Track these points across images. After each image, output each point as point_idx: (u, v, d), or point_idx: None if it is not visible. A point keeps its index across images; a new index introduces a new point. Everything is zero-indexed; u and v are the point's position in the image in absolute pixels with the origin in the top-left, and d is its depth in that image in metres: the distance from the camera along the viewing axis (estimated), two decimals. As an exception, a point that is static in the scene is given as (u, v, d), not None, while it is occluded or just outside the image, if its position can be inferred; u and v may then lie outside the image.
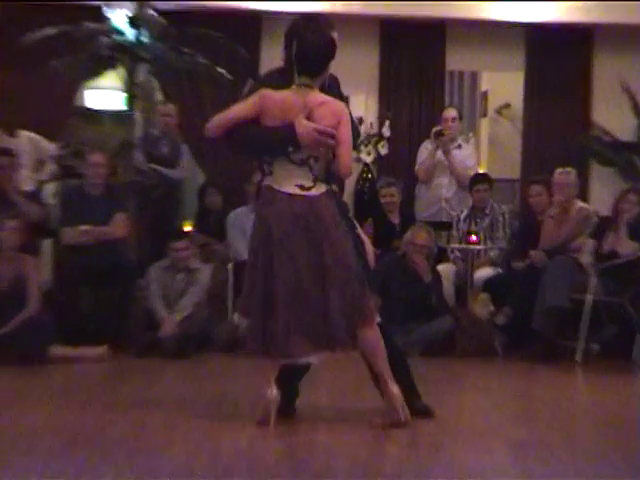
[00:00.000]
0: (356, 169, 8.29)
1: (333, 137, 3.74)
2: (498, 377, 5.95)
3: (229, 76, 7.01)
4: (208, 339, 6.42)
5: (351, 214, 4.25)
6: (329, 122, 3.73)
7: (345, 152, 3.78)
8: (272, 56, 8.69)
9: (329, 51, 3.82)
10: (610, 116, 8.63)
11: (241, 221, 6.95)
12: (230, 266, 6.90)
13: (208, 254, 7.03)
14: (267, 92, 3.82)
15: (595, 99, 8.75)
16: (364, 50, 8.57)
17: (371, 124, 8.58)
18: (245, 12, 8.19)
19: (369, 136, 8.52)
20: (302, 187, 3.76)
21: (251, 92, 3.94)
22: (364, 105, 8.74)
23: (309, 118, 3.74)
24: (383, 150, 8.60)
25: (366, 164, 8.52)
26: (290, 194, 3.76)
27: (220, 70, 6.98)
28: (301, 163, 3.77)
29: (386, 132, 8.60)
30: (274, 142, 3.80)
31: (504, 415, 4.60)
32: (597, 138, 8.67)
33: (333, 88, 4.00)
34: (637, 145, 8.65)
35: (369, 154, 8.49)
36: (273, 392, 3.78)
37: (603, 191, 8.22)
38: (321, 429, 3.88)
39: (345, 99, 4.11)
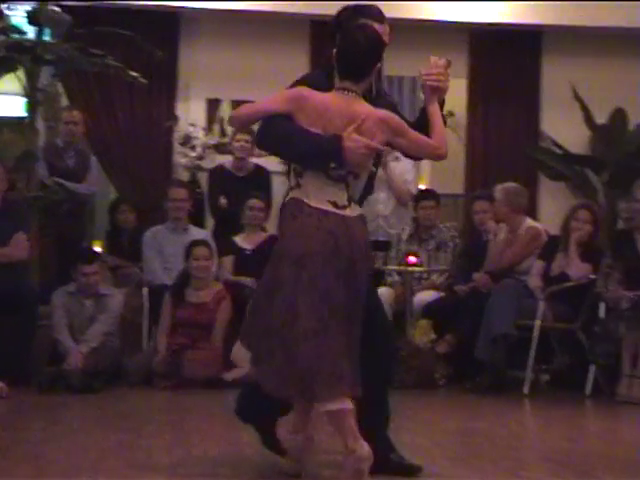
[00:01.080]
0: (285, 183, 8.29)
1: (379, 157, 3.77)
2: (439, 411, 6.21)
3: (143, 80, 7.05)
4: (120, 372, 6.56)
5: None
6: (380, 138, 3.60)
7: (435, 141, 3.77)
8: (191, 58, 8.96)
9: (375, 51, 3.66)
10: (560, 126, 8.92)
11: (158, 241, 7.19)
12: (145, 291, 7.08)
13: (120, 278, 7.25)
14: (307, 91, 3.66)
15: (544, 107, 9.05)
16: (294, 52, 8.73)
17: None
18: (162, 10, 8.33)
19: None
20: (335, 204, 3.59)
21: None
22: None
23: (355, 132, 3.58)
24: None
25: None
26: (321, 209, 3.58)
27: (133, 73, 7.01)
28: (338, 179, 3.61)
29: None
30: (317, 153, 3.61)
31: (445, 454, 4.71)
32: (546, 150, 8.94)
33: (381, 93, 3.91)
34: (589, 158, 8.91)
35: None
36: (364, 448, 3.47)
37: (553, 207, 8.49)
38: None
39: (394, 103, 4.06)
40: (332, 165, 3.56)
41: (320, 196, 3.59)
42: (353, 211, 3.64)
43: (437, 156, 3.82)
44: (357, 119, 3.55)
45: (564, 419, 5.93)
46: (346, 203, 3.62)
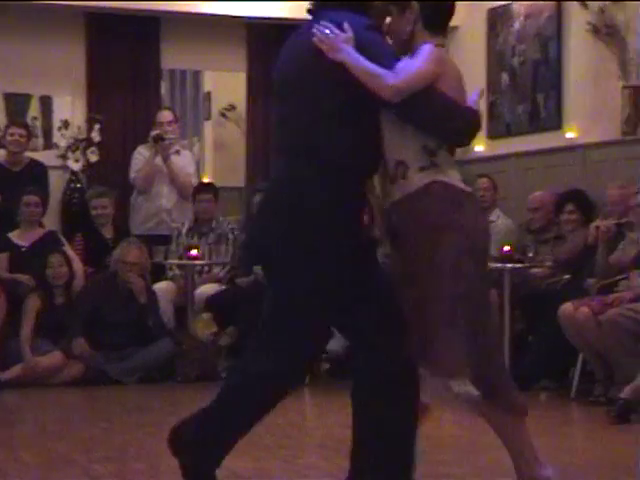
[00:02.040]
0: (63, 178, 8.71)
1: None
2: None
3: None
4: None
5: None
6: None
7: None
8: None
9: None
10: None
11: None
12: None
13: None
14: (445, 53, 3.41)
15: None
16: (68, 45, 8.80)
17: (79, 128, 8.88)
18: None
19: (77, 141, 8.83)
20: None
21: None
22: (70, 107, 9.01)
23: None
24: (93, 157, 8.89)
25: (74, 172, 8.87)
26: (469, 192, 3.42)
27: None
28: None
29: (96, 137, 8.90)
30: (470, 129, 3.41)
31: None
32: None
33: None
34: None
35: (77, 161, 8.78)
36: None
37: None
38: None
39: None
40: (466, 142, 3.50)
41: (455, 176, 3.38)
42: None
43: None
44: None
45: (341, 407, 6.30)
46: None
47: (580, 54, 8.20)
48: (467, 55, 9.07)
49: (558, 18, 8.17)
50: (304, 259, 3.17)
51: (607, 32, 7.56)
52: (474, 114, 3.38)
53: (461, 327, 3.19)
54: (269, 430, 5.50)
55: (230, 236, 7.98)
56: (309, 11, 3.35)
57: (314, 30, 3.14)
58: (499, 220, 7.85)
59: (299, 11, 9.13)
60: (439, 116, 3.30)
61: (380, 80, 3.14)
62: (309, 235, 3.15)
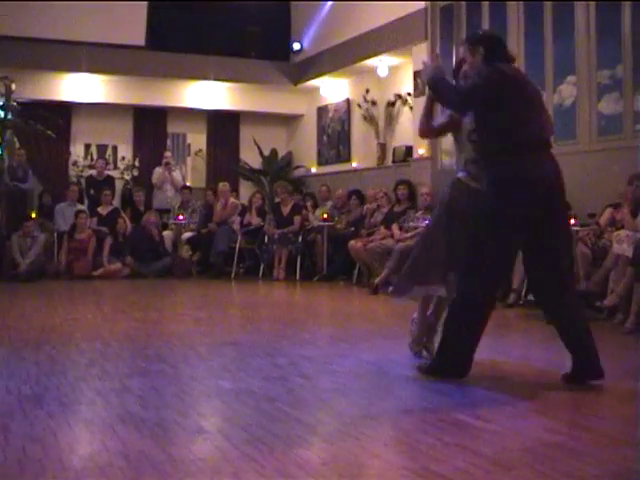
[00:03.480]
0: (121, 183, 15.56)
1: None
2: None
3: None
4: (44, 272, 13.05)
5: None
6: None
7: None
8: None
9: None
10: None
11: (61, 210, 14.00)
12: (55, 234, 13.74)
13: (44, 227, 13.69)
14: None
15: None
16: None
17: (129, 160, 15.75)
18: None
19: (128, 166, 15.59)
20: None
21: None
22: (125, 151, 16.10)
23: None
24: (135, 172, 15.79)
25: (127, 181, 15.58)
26: None
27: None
28: None
29: (137, 163, 15.75)
30: None
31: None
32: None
33: None
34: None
35: (128, 175, 15.75)
36: None
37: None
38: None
39: None
40: None
41: None
42: None
43: None
44: None
45: (252, 289, 12.93)
46: None
47: (358, 128, 14.91)
48: (307, 130, 16.43)
49: (348, 111, 15.23)
50: None
51: (370, 118, 14.39)
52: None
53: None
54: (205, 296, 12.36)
55: (198, 210, 14.37)
56: None
57: None
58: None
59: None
60: None
61: None
62: None
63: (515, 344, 6.99)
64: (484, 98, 4.89)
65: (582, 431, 3.89)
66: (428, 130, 5.71)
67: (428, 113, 5.58)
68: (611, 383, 4.93)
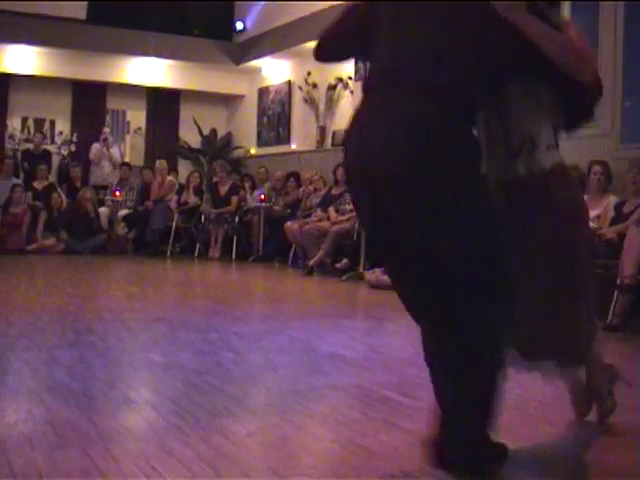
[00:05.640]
0: (58, 157, 15.50)
1: None
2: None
3: None
4: None
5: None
6: None
7: None
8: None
9: None
10: None
11: None
12: None
13: None
14: None
15: None
16: None
17: (67, 135, 15.65)
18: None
19: (66, 141, 15.58)
20: None
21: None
22: (63, 126, 15.96)
23: None
24: (73, 148, 15.71)
25: (64, 156, 15.45)
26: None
27: None
28: None
29: (74, 139, 15.72)
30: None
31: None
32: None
33: None
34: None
35: (65, 150, 15.63)
36: None
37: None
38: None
39: None
40: None
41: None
42: None
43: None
44: None
45: (189, 267, 13.37)
46: None
47: (299, 110, 14.98)
48: (248, 111, 16.50)
49: (289, 93, 15.30)
50: None
51: (311, 101, 14.48)
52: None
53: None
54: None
55: (135, 187, 14.35)
56: None
57: None
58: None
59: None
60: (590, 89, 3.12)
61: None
62: None
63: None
64: None
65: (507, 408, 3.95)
66: None
67: None
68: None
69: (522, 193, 3.17)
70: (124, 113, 16.70)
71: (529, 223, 3.15)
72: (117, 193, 14.35)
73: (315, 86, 14.33)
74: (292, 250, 12.28)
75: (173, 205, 14.02)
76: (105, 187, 14.79)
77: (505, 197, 3.16)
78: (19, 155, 15.07)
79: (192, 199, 14.06)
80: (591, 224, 7.82)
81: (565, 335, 3.17)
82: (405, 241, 2.98)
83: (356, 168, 3.01)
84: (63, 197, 13.94)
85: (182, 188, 14.48)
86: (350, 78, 13.36)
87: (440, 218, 2.86)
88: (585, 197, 7.74)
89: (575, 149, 8.83)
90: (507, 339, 3.00)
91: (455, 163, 2.84)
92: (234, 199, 13.62)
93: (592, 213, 7.98)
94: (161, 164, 14.50)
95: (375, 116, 2.92)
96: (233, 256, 13.30)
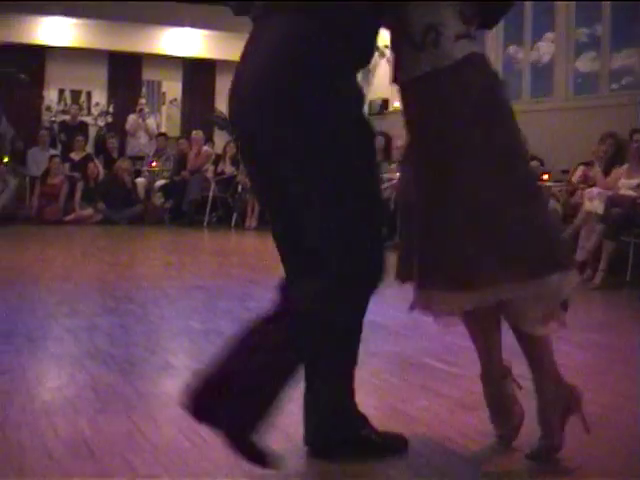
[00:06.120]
0: (96, 128, 15.51)
1: None
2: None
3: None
4: (15, 217, 13.12)
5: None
6: None
7: None
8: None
9: None
10: None
11: (34, 155, 13.93)
12: (27, 179, 13.81)
13: (16, 172, 13.68)
14: None
15: None
16: None
17: (103, 105, 15.68)
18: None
19: (102, 112, 15.57)
20: None
21: None
22: (100, 97, 16.05)
23: None
24: (109, 119, 15.72)
25: (101, 127, 15.46)
26: None
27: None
28: None
29: (111, 110, 15.68)
30: None
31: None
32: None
33: None
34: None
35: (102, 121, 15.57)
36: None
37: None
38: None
39: None
40: None
41: None
42: None
43: None
44: None
45: (227, 237, 13.42)
46: None
47: None
48: None
49: None
50: None
51: None
52: None
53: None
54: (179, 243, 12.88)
55: (172, 158, 14.28)
56: None
57: None
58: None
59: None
60: None
61: None
62: None
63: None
64: None
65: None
66: None
67: None
68: (575, 334, 4.98)
69: (430, 91, 2.69)
70: (160, 84, 16.68)
71: (445, 126, 2.64)
72: (153, 164, 14.37)
73: (351, 54, 14.13)
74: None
75: (210, 175, 13.98)
76: (142, 158, 14.79)
77: (415, 98, 2.74)
78: (56, 127, 15.09)
79: (229, 169, 14.00)
80: (632, 193, 7.91)
81: (524, 239, 2.61)
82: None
83: (230, 110, 2.67)
84: (100, 168, 13.97)
85: (218, 158, 14.43)
86: (386, 47, 13.12)
87: (295, 181, 2.50)
88: (625, 166, 8.15)
89: (617, 117, 8.83)
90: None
91: (319, 108, 2.40)
92: (271, 169, 13.49)
93: (633, 182, 8.01)
94: (197, 134, 14.46)
95: (248, 45, 2.72)
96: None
